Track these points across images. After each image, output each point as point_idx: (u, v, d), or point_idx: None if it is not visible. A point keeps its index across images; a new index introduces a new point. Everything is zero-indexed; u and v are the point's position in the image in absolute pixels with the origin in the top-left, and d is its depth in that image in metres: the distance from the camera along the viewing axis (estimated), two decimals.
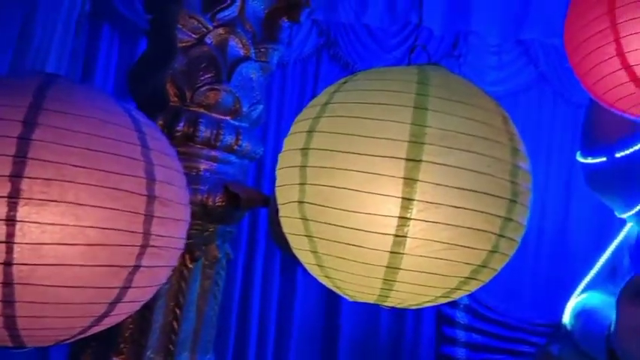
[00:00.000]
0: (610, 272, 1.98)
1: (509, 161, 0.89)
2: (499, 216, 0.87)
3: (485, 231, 0.86)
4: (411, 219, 0.83)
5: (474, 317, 2.28)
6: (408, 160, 0.83)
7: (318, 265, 0.96)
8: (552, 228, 2.72)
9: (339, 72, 2.65)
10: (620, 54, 1.07)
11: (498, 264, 0.93)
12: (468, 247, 0.86)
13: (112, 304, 0.90)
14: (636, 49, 1.05)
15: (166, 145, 1.05)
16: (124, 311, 0.95)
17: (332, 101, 0.94)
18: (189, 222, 1.77)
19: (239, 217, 1.93)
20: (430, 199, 0.83)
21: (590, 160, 1.70)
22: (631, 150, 1.64)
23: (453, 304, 2.29)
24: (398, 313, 2.50)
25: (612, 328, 1.67)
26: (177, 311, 1.72)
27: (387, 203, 0.84)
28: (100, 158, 0.83)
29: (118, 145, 0.86)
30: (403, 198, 0.83)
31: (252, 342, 2.52)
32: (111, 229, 0.85)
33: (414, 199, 0.83)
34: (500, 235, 0.88)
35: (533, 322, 2.23)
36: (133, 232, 0.87)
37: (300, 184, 0.92)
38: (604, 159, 1.67)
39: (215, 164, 1.78)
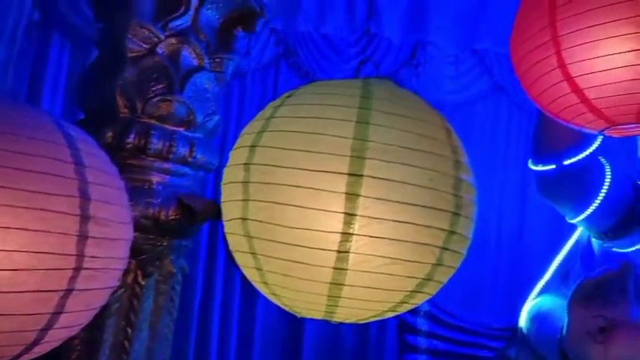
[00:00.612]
0: (563, 276, 2.03)
1: (451, 174, 0.89)
2: (442, 229, 0.87)
3: (429, 244, 0.86)
4: (354, 234, 0.82)
5: (435, 324, 2.30)
6: (349, 175, 0.82)
7: (264, 283, 0.93)
8: (510, 233, 2.77)
9: (299, 81, 2.64)
10: (562, 66, 1.10)
11: (444, 276, 0.93)
12: (412, 261, 0.86)
13: (43, 331, 0.85)
14: (577, 61, 1.08)
15: (105, 161, 1.00)
16: (57, 338, 0.89)
17: (275, 115, 0.93)
18: (144, 237, 1.73)
19: (194, 230, 1.88)
20: (372, 214, 0.82)
21: (540, 168, 1.75)
22: (578, 158, 1.69)
23: (415, 312, 2.30)
24: (361, 324, 2.49)
25: (564, 331, 1.71)
26: (129, 330, 1.66)
27: (330, 219, 0.82)
28: (24, 177, 0.78)
29: (46, 162, 0.82)
30: (345, 213, 0.82)
31: (213, 356, 2.46)
32: (39, 252, 0.80)
33: (356, 215, 0.82)
34: (444, 248, 0.88)
35: (492, 326, 2.26)
36: (64, 254, 0.82)
37: (242, 200, 0.90)
38: (553, 166, 1.71)
39: (168, 177, 1.73)
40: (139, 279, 1.67)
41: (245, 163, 0.90)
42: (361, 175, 0.82)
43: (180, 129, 1.76)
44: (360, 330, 2.62)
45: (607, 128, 1.17)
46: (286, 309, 0.98)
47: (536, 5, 1.16)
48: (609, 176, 1.74)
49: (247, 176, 0.89)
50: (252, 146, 0.91)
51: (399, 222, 0.83)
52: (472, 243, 3.07)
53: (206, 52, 1.85)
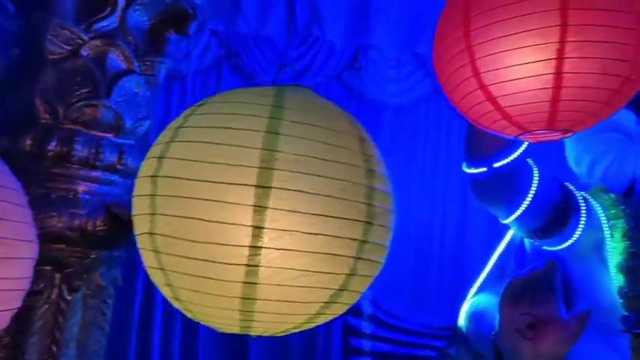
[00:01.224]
0: (498, 274, 2.09)
1: (364, 184, 0.89)
2: (355, 239, 0.87)
3: (342, 255, 0.86)
4: (263, 247, 0.80)
5: (378, 326, 2.32)
6: (257, 187, 0.80)
7: (176, 299, 0.90)
8: (453, 233, 2.83)
9: (242, 83, 2.60)
10: (476, 74, 1.13)
11: (360, 286, 0.92)
12: (325, 273, 0.85)
13: None
14: (490, 70, 1.11)
15: (5, 177, 0.94)
16: None
17: (185, 125, 0.89)
18: (69, 250, 1.64)
19: (125, 240, 1.81)
20: (282, 226, 0.81)
21: (472, 171, 1.79)
22: (507, 160, 1.73)
23: (359, 315, 2.32)
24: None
25: (496, 329, 1.76)
26: (54, 348, 1.57)
27: (237, 232, 0.80)
28: None
29: None
30: (253, 226, 0.80)
31: None
32: None
33: (264, 227, 0.80)
34: (358, 258, 0.88)
35: (435, 326, 2.31)
36: None
37: (150, 214, 0.86)
38: (484, 169, 1.75)
39: (95, 185, 1.66)
40: (65, 294, 1.59)
41: (152, 176, 0.87)
42: (269, 187, 0.80)
43: (108, 135, 1.69)
44: (307, 333, 2.61)
45: (521, 134, 1.21)
46: (205, 324, 0.95)
47: (453, 15, 1.18)
48: (537, 178, 1.80)
49: (154, 189, 0.86)
50: (160, 157, 0.87)
51: (310, 233, 0.82)
52: (418, 244, 3.10)
53: (135, 54, 1.79)
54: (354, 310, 2.30)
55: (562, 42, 1.01)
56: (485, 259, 2.29)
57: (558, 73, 1.04)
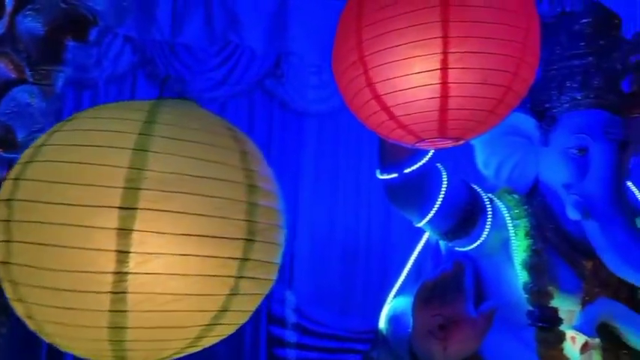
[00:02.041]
0: (416, 277, 2.14)
1: (244, 200, 0.86)
2: (234, 258, 0.84)
3: (220, 275, 0.82)
4: (130, 273, 0.76)
5: (303, 334, 2.31)
6: (122, 208, 0.76)
7: (42, 332, 0.83)
8: (378, 237, 2.88)
9: (158, 92, 2.49)
10: (370, 84, 1.14)
11: (245, 305, 0.90)
12: (202, 295, 0.81)
13: None
14: (382, 80, 1.13)
15: None
16: None
17: (47, 143, 0.83)
18: None
19: None
20: (149, 249, 0.76)
21: (385, 177, 1.81)
22: (417, 166, 1.77)
23: (283, 325, 2.30)
24: (235, 338, 2.43)
25: (410, 331, 1.79)
26: None
27: (100, 258, 0.75)
28: None
29: None
30: (118, 251, 0.75)
31: None
32: None
33: (130, 252, 0.75)
34: (239, 277, 0.85)
35: (359, 330, 2.34)
36: None
37: (4, 241, 0.79)
38: (396, 175, 1.78)
39: None
40: None
41: (7, 199, 0.80)
42: (135, 209, 0.76)
43: None
44: (234, 344, 2.55)
45: (418, 142, 1.24)
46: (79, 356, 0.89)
47: (347, 24, 1.19)
48: (446, 182, 1.86)
49: (10, 214, 0.79)
50: (16, 179, 0.80)
51: (182, 255, 0.78)
52: (344, 249, 3.12)
53: (27, 63, 1.67)
54: (278, 320, 2.27)
55: (445, 53, 1.05)
56: (407, 262, 2.34)
57: (444, 83, 1.07)
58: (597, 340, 1.82)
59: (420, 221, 1.93)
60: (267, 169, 0.96)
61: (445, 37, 1.03)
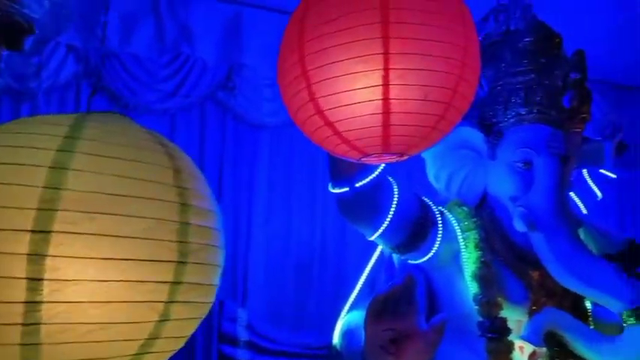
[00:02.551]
0: (370, 290, 2.13)
1: (176, 220, 0.82)
2: (165, 282, 0.79)
3: (148, 301, 0.77)
4: (44, 302, 0.70)
5: (256, 353, 2.25)
6: (34, 232, 0.70)
7: None
8: (332, 251, 2.86)
9: (106, 103, 2.41)
10: (313, 99, 1.13)
11: (177, 331, 0.85)
12: (127, 323, 0.76)
13: None
14: (324, 95, 1.11)
15: None
16: None
17: None
18: None
19: None
20: (66, 276, 0.71)
21: (337, 190, 1.80)
22: (368, 179, 1.77)
23: (234, 343, 2.23)
24: (186, 353, 2.34)
25: (363, 345, 1.77)
26: None
27: (9, 287, 0.68)
28: None
29: None
30: (29, 279, 0.69)
31: None
32: None
33: (43, 279, 0.69)
34: (170, 302, 0.80)
35: (314, 346, 2.30)
36: None
37: None
38: (347, 189, 1.78)
39: None
40: None
41: None
42: (49, 232, 0.70)
43: None
44: None
45: (362, 157, 1.24)
46: None
47: (290, 39, 1.17)
48: (397, 195, 1.86)
49: None
50: None
51: (103, 281, 0.73)
52: (298, 264, 3.10)
53: None
54: (230, 339, 2.20)
55: (386, 69, 1.05)
56: (362, 275, 2.32)
57: (386, 99, 1.07)
58: (544, 349, 1.87)
59: (373, 235, 1.93)
60: (203, 187, 0.92)
61: (386, 54, 1.03)
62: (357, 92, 1.07)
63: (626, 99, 3.67)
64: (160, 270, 0.78)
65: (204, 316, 0.90)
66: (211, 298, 0.91)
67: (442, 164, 2.10)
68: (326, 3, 1.09)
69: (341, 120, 1.12)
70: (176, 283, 0.80)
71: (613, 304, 1.70)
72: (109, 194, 0.75)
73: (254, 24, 2.61)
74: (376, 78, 1.05)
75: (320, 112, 1.12)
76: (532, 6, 2.24)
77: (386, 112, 1.07)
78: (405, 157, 1.24)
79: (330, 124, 1.13)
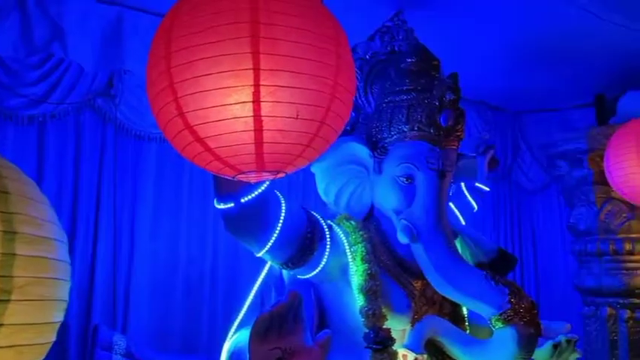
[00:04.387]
0: (260, 308, 2.08)
1: None
2: None
3: None
4: None
5: None
6: None
7: None
8: (224, 269, 2.74)
9: None
10: (181, 114, 1.06)
11: None
12: None
13: None
14: (192, 110, 1.05)
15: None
16: None
17: None
18: None
19: None
20: None
21: (222, 206, 1.73)
22: (253, 194, 1.72)
23: None
24: None
25: None
26: None
27: None
28: None
29: None
30: None
31: None
32: None
33: None
34: None
35: None
36: None
37: None
38: (232, 204, 1.71)
39: None
40: None
41: None
42: None
43: None
44: None
45: (237, 174, 1.19)
46: None
47: (157, 48, 1.09)
48: (284, 210, 1.84)
49: None
50: None
51: None
52: (186, 284, 2.91)
53: None
54: None
55: (257, 85, 1.01)
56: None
57: (257, 116, 1.03)
58: (425, 356, 1.94)
59: (260, 251, 1.88)
60: (40, 211, 0.81)
61: (256, 69, 1.00)
62: (227, 108, 1.02)
63: (499, 119, 4.05)
64: None
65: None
66: (49, 338, 0.79)
67: (331, 179, 2.13)
68: (195, 13, 1.03)
69: (211, 136, 1.06)
70: None
71: (483, 310, 1.82)
72: None
73: (138, 27, 2.43)
74: (246, 94, 1.01)
75: (189, 127, 1.05)
76: (414, 30, 2.38)
77: (258, 129, 1.04)
78: (281, 175, 1.21)
79: (200, 140, 1.07)
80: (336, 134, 1.22)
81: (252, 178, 1.21)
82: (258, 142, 1.06)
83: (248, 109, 1.02)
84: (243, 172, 1.17)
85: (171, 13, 1.09)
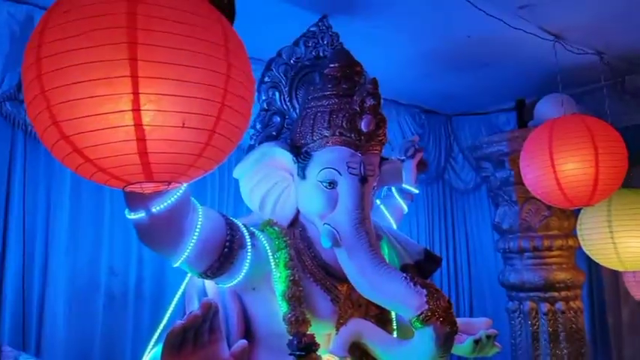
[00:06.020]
0: (181, 320, 2.01)
1: None
2: None
3: None
4: None
5: None
6: None
7: None
8: (151, 282, 2.63)
9: None
10: (55, 123, 0.99)
11: None
12: None
13: None
14: (67, 119, 0.97)
15: None
16: None
17: None
18: None
19: None
20: None
21: (133, 216, 1.66)
22: (166, 203, 1.66)
23: None
24: None
25: None
26: None
27: None
28: None
29: None
30: None
31: None
32: None
33: None
34: None
35: None
36: None
37: None
38: (143, 214, 1.64)
39: None
40: None
41: None
42: None
43: None
44: None
45: (127, 186, 1.14)
46: None
47: (29, 52, 1.02)
48: (201, 218, 1.79)
49: None
50: None
51: None
52: (108, 297, 2.76)
53: None
54: None
55: (135, 94, 0.97)
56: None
57: (138, 125, 0.98)
58: (349, 359, 1.95)
59: (177, 261, 1.82)
60: None
61: (134, 77, 0.95)
62: (103, 117, 0.97)
63: (433, 122, 4.16)
64: None
65: None
66: None
67: (255, 184, 2.10)
68: (69, 17, 0.97)
69: (90, 146, 1.00)
70: None
71: (404, 311, 1.85)
72: None
73: None
74: (124, 102, 0.96)
75: (65, 137, 0.99)
76: (339, 35, 2.39)
77: (140, 138, 0.99)
78: (175, 186, 1.16)
79: (78, 150, 1.01)
80: (233, 143, 1.18)
81: (146, 189, 1.16)
82: (142, 151, 1.02)
83: (128, 118, 0.97)
84: (131, 183, 1.11)
85: (45, 16, 1.02)
